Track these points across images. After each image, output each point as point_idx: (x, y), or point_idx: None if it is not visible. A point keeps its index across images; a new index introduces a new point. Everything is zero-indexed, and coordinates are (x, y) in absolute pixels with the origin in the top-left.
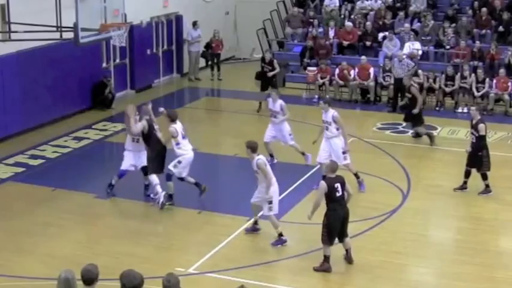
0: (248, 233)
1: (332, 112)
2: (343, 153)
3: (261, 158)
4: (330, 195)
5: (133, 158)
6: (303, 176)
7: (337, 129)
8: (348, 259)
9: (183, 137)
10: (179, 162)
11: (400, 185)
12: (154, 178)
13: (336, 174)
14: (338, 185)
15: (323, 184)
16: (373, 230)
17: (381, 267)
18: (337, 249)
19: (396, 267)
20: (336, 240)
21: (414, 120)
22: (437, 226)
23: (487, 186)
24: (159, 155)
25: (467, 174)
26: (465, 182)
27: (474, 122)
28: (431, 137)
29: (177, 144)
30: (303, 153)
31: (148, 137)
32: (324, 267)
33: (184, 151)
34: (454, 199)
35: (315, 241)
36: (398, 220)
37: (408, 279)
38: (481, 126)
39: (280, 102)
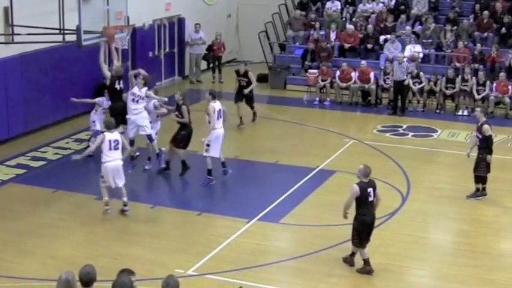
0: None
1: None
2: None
3: (212, 105)
4: (361, 200)
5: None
6: (303, 179)
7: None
8: (350, 262)
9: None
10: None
11: (400, 187)
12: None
13: (368, 179)
14: (371, 190)
15: (355, 187)
16: (373, 232)
17: (380, 269)
18: (337, 250)
19: (395, 269)
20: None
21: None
22: (436, 228)
23: (478, 190)
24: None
25: (477, 181)
26: (477, 189)
27: (479, 124)
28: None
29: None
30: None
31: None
32: (365, 270)
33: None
34: (454, 201)
35: (314, 243)
36: (397, 222)
37: (407, 281)
38: (486, 127)
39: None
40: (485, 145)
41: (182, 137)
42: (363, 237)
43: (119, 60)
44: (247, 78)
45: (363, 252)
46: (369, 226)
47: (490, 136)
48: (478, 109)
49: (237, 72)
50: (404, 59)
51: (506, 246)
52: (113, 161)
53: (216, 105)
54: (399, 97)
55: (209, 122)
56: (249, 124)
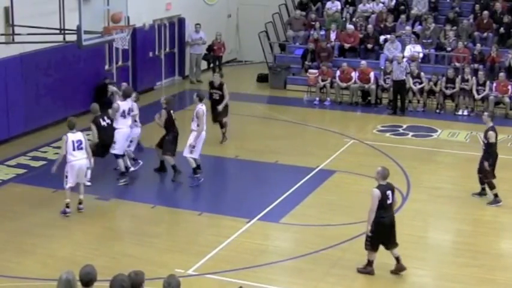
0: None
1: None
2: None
3: (200, 108)
4: (380, 202)
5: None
6: (303, 179)
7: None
8: (400, 267)
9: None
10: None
11: (400, 187)
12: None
13: (386, 182)
14: (389, 193)
15: (376, 191)
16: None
17: (380, 269)
18: (337, 250)
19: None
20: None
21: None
22: (436, 228)
23: (495, 195)
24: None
25: (482, 181)
26: (483, 189)
27: (486, 128)
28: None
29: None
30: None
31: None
32: (367, 270)
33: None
34: (454, 201)
35: (314, 243)
36: (397, 222)
37: (407, 281)
38: (491, 133)
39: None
40: (491, 150)
41: (167, 142)
42: (377, 242)
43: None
44: (222, 92)
45: (372, 254)
46: (388, 228)
47: (493, 144)
48: (486, 113)
49: (211, 84)
50: (404, 59)
51: (507, 246)
52: (77, 160)
53: (205, 108)
54: (399, 97)
55: (198, 125)
56: (241, 131)
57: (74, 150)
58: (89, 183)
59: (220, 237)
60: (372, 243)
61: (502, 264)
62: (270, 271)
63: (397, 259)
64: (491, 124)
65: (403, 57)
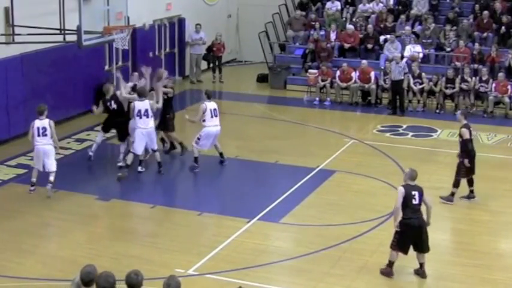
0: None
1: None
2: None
3: (205, 104)
4: (405, 202)
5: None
6: (303, 179)
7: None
8: (421, 273)
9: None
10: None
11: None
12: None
13: (415, 183)
14: (416, 193)
15: (401, 188)
16: (372, 232)
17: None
18: (337, 250)
19: (395, 269)
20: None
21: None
22: (435, 228)
23: (452, 194)
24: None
25: (470, 183)
26: (471, 191)
27: (459, 126)
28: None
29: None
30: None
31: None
32: (386, 271)
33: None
34: (454, 201)
35: (314, 243)
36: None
37: (407, 280)
38: (463, 130)
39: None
40: (464, 149)
41: (168, 120)
42: (403, 242)
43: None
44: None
45: (393, 254)
46: (416, 230)
47: (467, 140)
48: (459, 111)
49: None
50: (404, 59)
51: (506, 245)
52: (42, 145)
53: (210, 104)
54: (397, 97)
55: (203, 120)
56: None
57: (38, 136)
58: (53, 169)
59: (220, 237)
60: (398, 243)
61: (502, 264)
62: (270, 271)
63: (421, 265)
64: (464, 122)
65: (402, 57)
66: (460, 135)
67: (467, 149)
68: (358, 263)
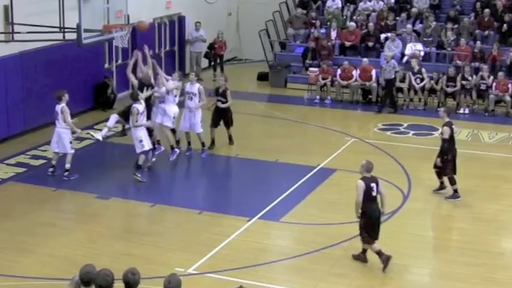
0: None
1: (198, 85)
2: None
3: (201, 86)
4: (365, 195)
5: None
6: (304, 177)
7: (199, 101)
8: (363, 259)
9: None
10: None
11: (401, 185)
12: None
13: (371, 174)
14: (374, 185)
15: (361, 182)
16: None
17: (381, 268)
18: (338, 249)
19: (397, 268)
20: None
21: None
22: (437, 227)
23: (455, 191)
24: None
25: (439, 176)
26: (442, 183)
27: (442, 124)
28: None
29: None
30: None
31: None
32: (383, 258)
33: None
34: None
35: (315, 241)
36: (398, 221)
37: (408, 279)
38: (445, 129)
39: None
40: (446, 146)
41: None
42: (373, 232)
43: (150, 67)
44: (225, 99)
45: (373, 246)
46: (378, 219)
47: (444, 140)
48: (441, 109)
49: (216, 90)
50: (392, 60)
51: (508, 244)
52: (56, 128)
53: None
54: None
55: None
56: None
57: (56, 120)
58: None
59: (220, 236)
60: (369, 235)
61: (504, 262)
62: (270, 270)
63: (364, 250)
64: (447, 120)
65: (392, 57)
66: (442, 133)
67: (448, 147)
68: (359, 262)
